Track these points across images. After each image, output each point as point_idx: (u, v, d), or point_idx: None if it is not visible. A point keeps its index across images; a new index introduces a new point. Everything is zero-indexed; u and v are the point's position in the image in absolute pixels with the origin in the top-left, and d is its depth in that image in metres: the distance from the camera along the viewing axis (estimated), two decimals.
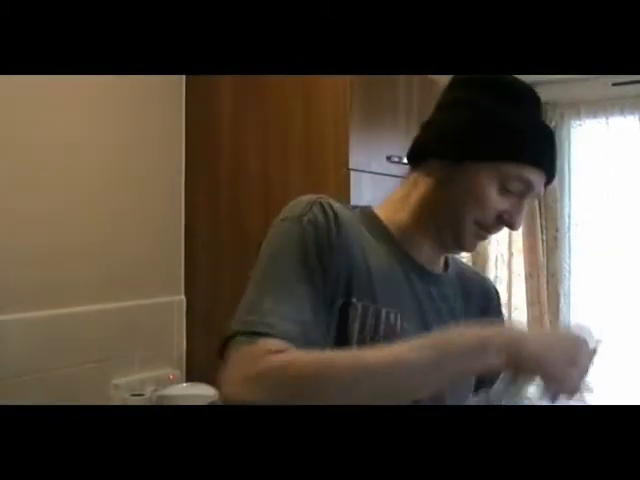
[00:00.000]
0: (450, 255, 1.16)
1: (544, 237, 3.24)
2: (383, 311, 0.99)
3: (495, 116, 1.01)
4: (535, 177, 1.01)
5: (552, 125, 3.24)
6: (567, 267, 3.25)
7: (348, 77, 2.21)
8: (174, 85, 2.41)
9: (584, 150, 3.25)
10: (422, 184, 1.06)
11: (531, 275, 3.25)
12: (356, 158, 2.26)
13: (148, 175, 2.29)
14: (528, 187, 1.01)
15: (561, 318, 3.25)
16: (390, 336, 0.97)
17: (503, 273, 3.29)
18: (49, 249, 1.98)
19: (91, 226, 2.09)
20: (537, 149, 1.02)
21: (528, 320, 3.25)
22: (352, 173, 2.23)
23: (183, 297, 2.44)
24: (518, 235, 3.25)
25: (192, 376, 2.36)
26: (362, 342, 0.96)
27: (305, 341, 0.89)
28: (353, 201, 2.22)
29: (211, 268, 2.42)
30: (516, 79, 1.06)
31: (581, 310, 3.24)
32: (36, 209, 1.95)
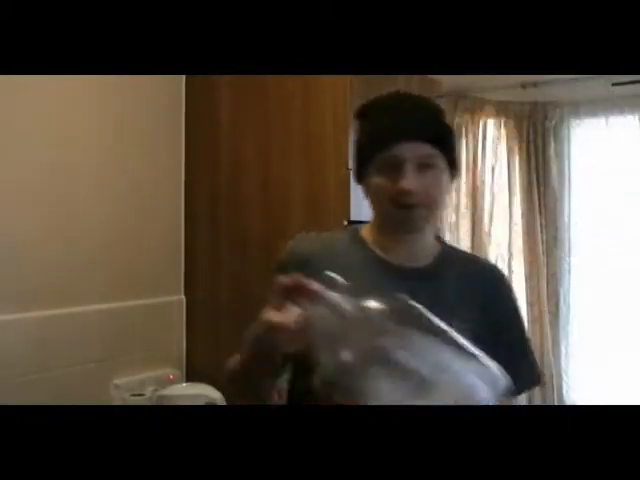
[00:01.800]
0: (447, 246, 1.28)
1: (544, 237, 3.24)
2: None
3: (360, 133, 1.21)
4: (397, 148, 1.12)
5: (552, 124, 3.24)
6: (567, 267, 3.25)
7: (348, 77, 2.21)
8: (174, 85, 2.41)
9: (584, 150, 3.25)
10: None
11: (531, 275, 3.25)
12: None
13: (148, 175, 2.29)
14: (396, 157, 1.13)
15: (561, 318, 3.24)
16: None
17: None
18: (49, 250, 1.97)
19: (91, 226, 2.09)
20: (385, 129, 1.14)
21: (528, 320, 3.24)
22: (352, 173, 2.23)
23: (183, 297, 2.44)
24: (518, 235, 3.25)
25: (192, 376, 2.36)
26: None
27: None
28: (353, 201, 2.22)
29: (211, 268, 2.42)
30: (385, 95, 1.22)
31: (581, 310, 3.23)
32: (36, 210, 1.95)
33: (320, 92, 2.24)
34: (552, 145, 3.24)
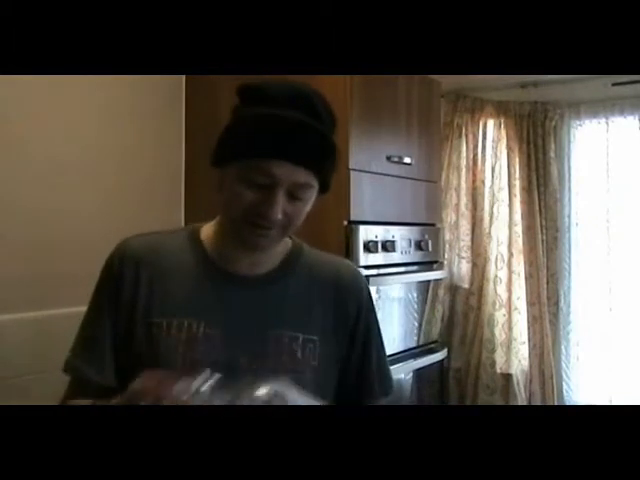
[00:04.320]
0: (299, 250, 1.19)
1: (544, 237, 3.23)
2: (185, 323, 1.08)
3: (239, 119, 1.07)
4: (277, 168, 1.01)
5: (552, 125, 3.24)
6: (567, 267, 3.25)
7: (348, 77, 2.21)
8: (174, 85, 2.41)
9: (584, 150, 3.25)
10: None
11: (531, 275, 3.24)
12: (356, 158, 2.26)
13: (148, 175, 2.29)
14: (272, 178, 1.02)
15: (561, 318, 3.24)
16: (191, 342, 1.08)
17: (503, 273, 3.28)
18: (50, 249, 1.98)
19: (91, 226, 2.09)
20: (271, 142, 1.01)
21: (528, 320, 3.24)
22: (352, 173, 2.23)
23: None
24: (518, 235, 3.25)
25: None
26: (168, 350, 1.07)
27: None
28: (353, 201, 2.22)
29: None
30: (280, 82, 1.07)
31: (581, 310, 3.23)
32: (36, 210, 1.95)
33: (320, 92, 2.24)
34: (552, 145, 3.24)
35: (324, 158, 1.07)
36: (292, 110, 1.03)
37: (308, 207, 1.08)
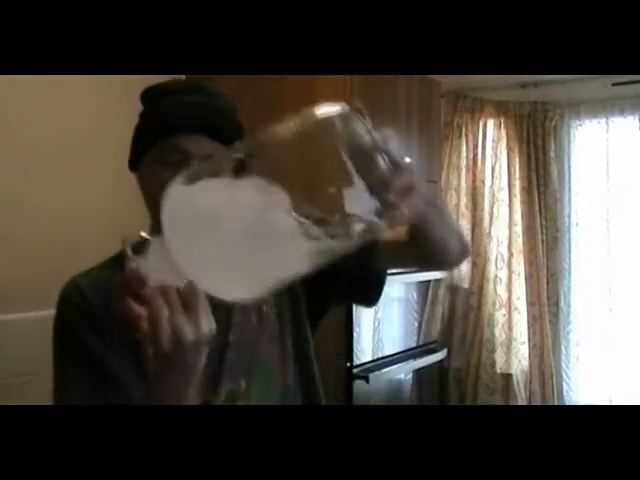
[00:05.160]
0: None
1: (544, 237, 3.24)
2: None
3: (141, 116, 1.13)
4: (185, 141, 1.03)
5: (552, 125, 3.24)
6: (567, 267, 3.25)
7: (348, 77, 2.21)
8: None
9: (584, 150, 3.25)
10: None
11: (531, 275, 3.25)
12: None
13: None
14: (183, 152, 1.02)
15: (561, 318, 3.24)
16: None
17: (503, 273, 3.29)
18: (50, 249, 1.97)
19: (91, 226, 2.09)
20: (173, 118, 1.04)
21: (528, 320, 3.24)
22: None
23: None
24: (518, 235, 3.25)
25: None
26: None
27: None
28: None
29: None
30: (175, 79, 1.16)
31: (581, 310, 3.23)
32: (36, 210, 1.95)
33: (320, 92, 2.24)
34: (552, 145, 3.24)
35: (228, 128, 1.07)
36: (189, 95, 1.07)
37: None
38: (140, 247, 0.73)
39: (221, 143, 1.04)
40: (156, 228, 0.76)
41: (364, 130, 0.75)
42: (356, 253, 1.05)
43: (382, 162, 0.75)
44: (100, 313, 1.02)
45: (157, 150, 1.05)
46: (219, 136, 1.04)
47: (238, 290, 0.73)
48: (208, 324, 0.75)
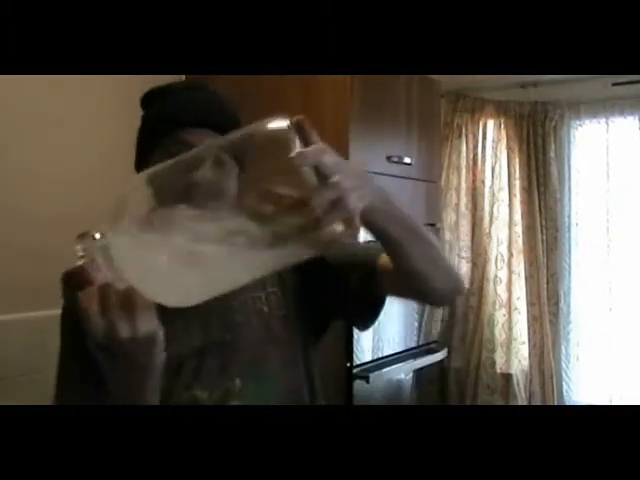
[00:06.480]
0: None
1: (544, 237, 3.24)
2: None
3: (143, 118, 1.18)
4: (190, 135, 1.05)
5: (552, 125, 3.24)
6: (567, 267, 3.25)
7: (348, 77, 2.21)
8: None
9: (584, 150, 3.25)
10: None
11: (531, 275, 3.25)
12: (356, 158, 2.26)
13: None
14: (188, 144, 1.02)
15: (561, 318, 3.24)
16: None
17: (503, 273, 3.29)
18: (49, 249, 1.97)
19: (91, 226, 2.09)
20: (178, 112, 1.08)
21: (528, 320, 3.24)
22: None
23: None
24: (518, 235, 3.25)
25: None
26: None
27: None
28: None
29: None
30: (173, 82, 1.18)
31: (581, 310, 3.23)
32: (36, 210, 1.95)
33: (320, 92, 2.24)
34: (552, 145, 3.24)
35: (230, 122, 1.08)
36: (193, 91, 1.12)
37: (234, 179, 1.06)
38: (91, 247, 0.86)
39: (218, 133, 1.07)
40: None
41: (295, 146, 0.80)
42: (358, 274, 1.06)
43: (310, 177, 0.78)
44: None
45: (166, 145, 1.08)
46: (223, 130, 1.05)
47: (174, 297, 0.82)
48: (147, 325, 0.82)
